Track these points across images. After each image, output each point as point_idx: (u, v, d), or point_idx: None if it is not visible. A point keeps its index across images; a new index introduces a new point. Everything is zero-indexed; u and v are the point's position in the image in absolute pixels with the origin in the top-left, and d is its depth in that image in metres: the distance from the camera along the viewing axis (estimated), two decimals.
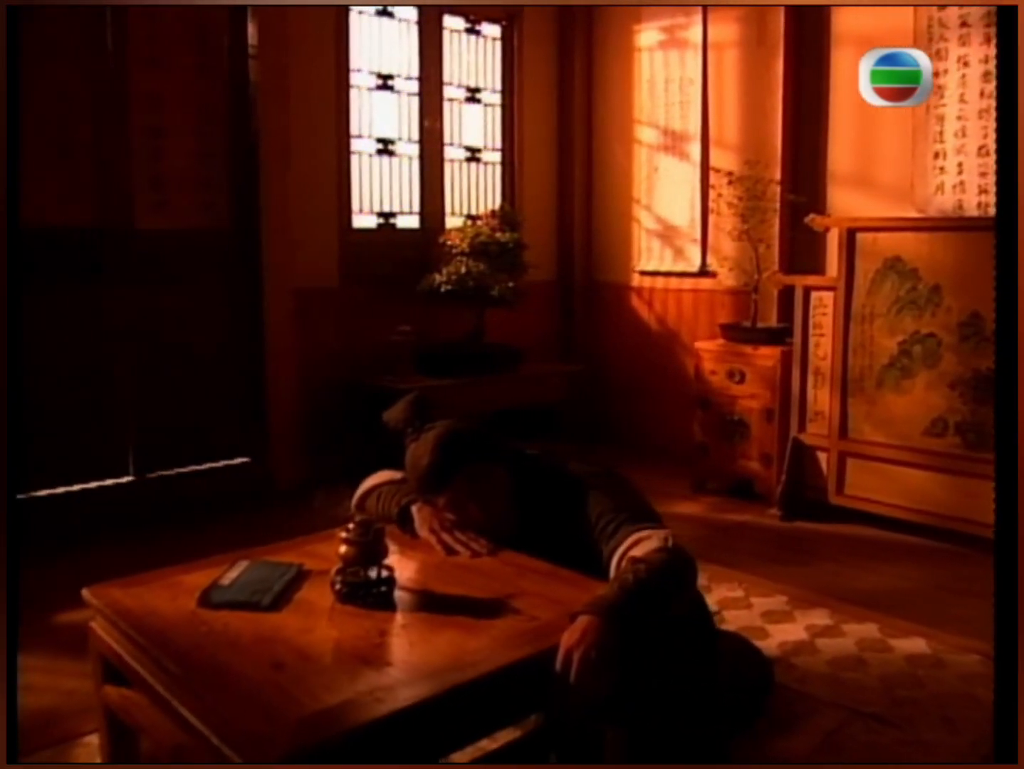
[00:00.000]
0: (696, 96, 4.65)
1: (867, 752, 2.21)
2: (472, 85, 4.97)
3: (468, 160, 5.04)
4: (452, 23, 4.82)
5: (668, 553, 1.78)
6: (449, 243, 4.67)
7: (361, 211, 4.68)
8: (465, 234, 4.66)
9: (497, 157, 5.14)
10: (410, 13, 4.64)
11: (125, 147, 3.83)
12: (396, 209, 4.80)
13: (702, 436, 4.32)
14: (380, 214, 4.75)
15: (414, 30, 4.68)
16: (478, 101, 5.02)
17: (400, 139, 4.75)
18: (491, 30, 4.98)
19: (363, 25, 4.50)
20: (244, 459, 4.32)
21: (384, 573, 1.77)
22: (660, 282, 5.00)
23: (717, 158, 4.58)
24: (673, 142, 4.82)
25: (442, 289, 4.52)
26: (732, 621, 2.94)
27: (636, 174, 5.03)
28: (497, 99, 5.08)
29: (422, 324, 4.66)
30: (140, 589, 1.82)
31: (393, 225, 4.81)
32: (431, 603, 1.76)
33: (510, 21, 5.01)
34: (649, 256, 5.02)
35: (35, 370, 3.68)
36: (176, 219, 4.03)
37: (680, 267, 4.86)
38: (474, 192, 5.10)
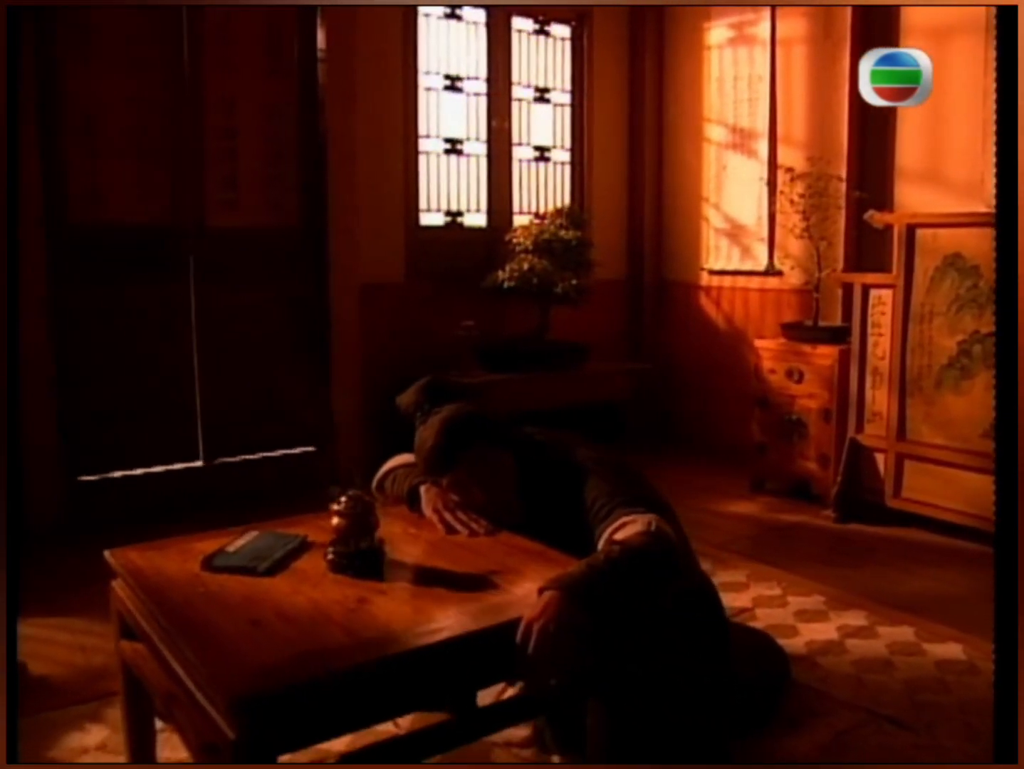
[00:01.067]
0: (764, 93, 4.61)
1: (875, 754, 2.18)
2: (541, 85, 5.04)
3: (537, 159, 5.10)
4: (521, 24, 4.89)
5: (648, 537, 1.80)
6: (514, 241, 4.75)
7: (428, 209, 4.80)
8: (529, 232, 4.73)
9: (566, 156, 5.19)
10: (478, 15, 4.74)
11: (199, 149, 4.04)
12: (463, 208, 4.91)
13: (760, 436, 4.26)
14: (447, 212, 4.86)
15: (482, 32, 4.77)
16: (547, 101, 5.08)
17: (468, 139, 4.85)
18: (560, 31, 5.04)
19: (431, 28, 4.62)
20: (309, 448, 4.49)
21: (372, 545, 1.84)
22: (728, 281, 4.96)
23: (784, 155, 4.52)
24: (741, 140, 4.78)
25: (505, 285, 4.60)
26: (763, 619, 2.92)
27: (705, 172, 5.00)
28: (567, 99, 5.13)
29: (486, 320, 4.74)
30: (155, 553, 1.95)
31: (460, 223, 4.91)
32: (415, 575, 1.83)
33: (580, 22, 5.05)
34: (717, 255, 4.99)
35: (114, 360, 3.93)
36: (247, 217, 4.23)
37: (747, 266, 4.81)
38: (542, 191, 5.16)
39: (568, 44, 5.08)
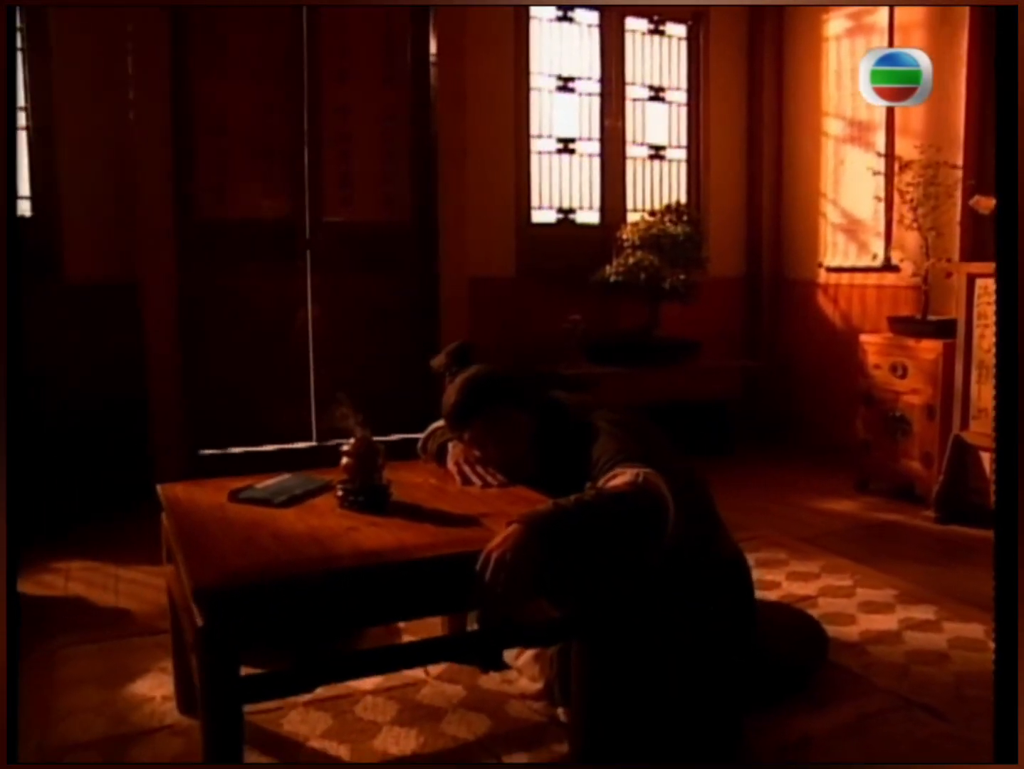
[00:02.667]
0: None
1: (894, 739, 2.10)
2: (656, 84, 5.07)
3: (651, 157, 5.13)
4: (635, 25, 4.95)
5: (631, 487, 1.83)
6: (623, 237, 4.80)
7: (541, 207, 4.93)
8: (638, 228, 4.77)
9: (682, 154, 5.19)
10: (591, 17, 4.84)
11: (317, 150, 4.33)
12: (576, 205, 5.00)
13: (864, 434, 4.12)
14: (560, 210, 4.97)
15: (595, 33, 4.87)
16: (662, 100, 5.11)
17: (580, 138, 4.95)
18: (676, 30, 5.06)
19: (543, 30, 4.76)
20: (417, 435, 4.68)
21: (376, 483, 1.97)
22: (845, 278, 4.81)
23: (901, 146, 4.36)
24: (859, 132, 4.64)
25: (611, 280, 4.66)
26: (823, 607, 2.84)
27: (823, 167, 4.88)
28: (682, 97, 5.14)
29: (595, 315, 4.82)
30: (196, 487, 2.16)
31: (572, 221, 5.01)
32: (412, 513, 1.93)
33: (696, 20, 5.06)
34: (834, 251, 4.85)
35: (234, 344, 4.27)
36: (360, 213, 4.49)
37: (864, 262, 4.65)
38: (657, 189, 5.18)
39: (684, 43, 5.09)
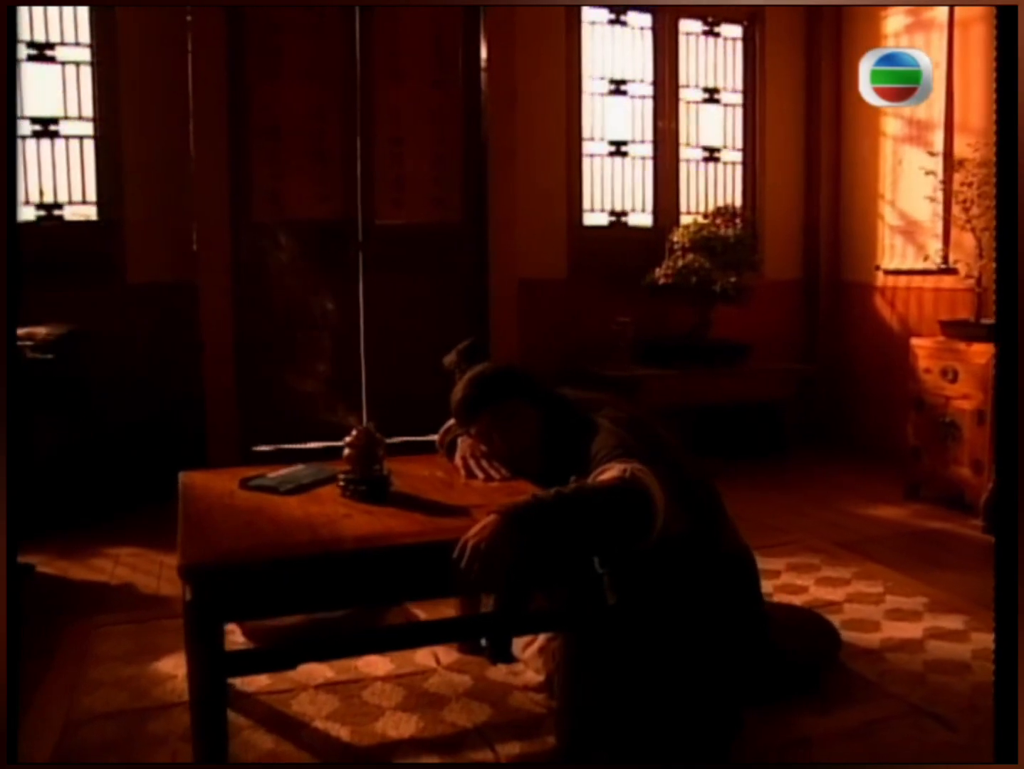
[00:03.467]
0: (941, 79, 4.34)
1: (895, 747, 2.05)
2: (710, 86, 5.04)
3: (705, 160, 5.11)
4: (688, 26, 4.94)
5: (617, 482, 1.85)
6: (674, 239, 4.79)
7: (592, 209, 4.95)
8: (688, 230, 4.75)
9: (737, 156, 5.15)
10: (644, 20, 4.85)
11: (369, 153, 4.45)
12: (628, 208, 5.01)
13: (915, 439, 4.02)
14: (612, 212, 4.98)
15: (648, 36, 4.87)
16: (717, 101, 5.08)
17: (633, 141, 4.95)
18: (731, 31, 5.02)
19: (595, 34, 4.78)
20: None
21: (375, 474, 2.04)
22: (902, 281, 4.70)
23: (960, 145, 4.24)
24: (917, 131, 4.53)
25: (660, 282, 4.66)
26: (848, 612, 2.80)
27: (881, 168, 4.78)
28: (738, 99, 5.10)
29: (647, 317, 4.82)
30: (213, 475, 2.27)
31: (625, 223, 5.02)
32: (408, 503, 1.99)
33: (751, 21, 5.01)
34: (892, 254, 4.74)
35: (287, 344, 4.40)
36: (412, 215, 4.59)
37: (922, 265, 4.53)
38: (711, 191, 5.15)
39: (739, 44, 5.05)
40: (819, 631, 2.46)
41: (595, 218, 4.96)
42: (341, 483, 2.06)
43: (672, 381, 4.58)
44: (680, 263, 4.63)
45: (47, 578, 3.15)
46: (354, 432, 2.06)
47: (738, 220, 4.82)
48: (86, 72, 4.03)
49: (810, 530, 3.65)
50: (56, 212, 4.06)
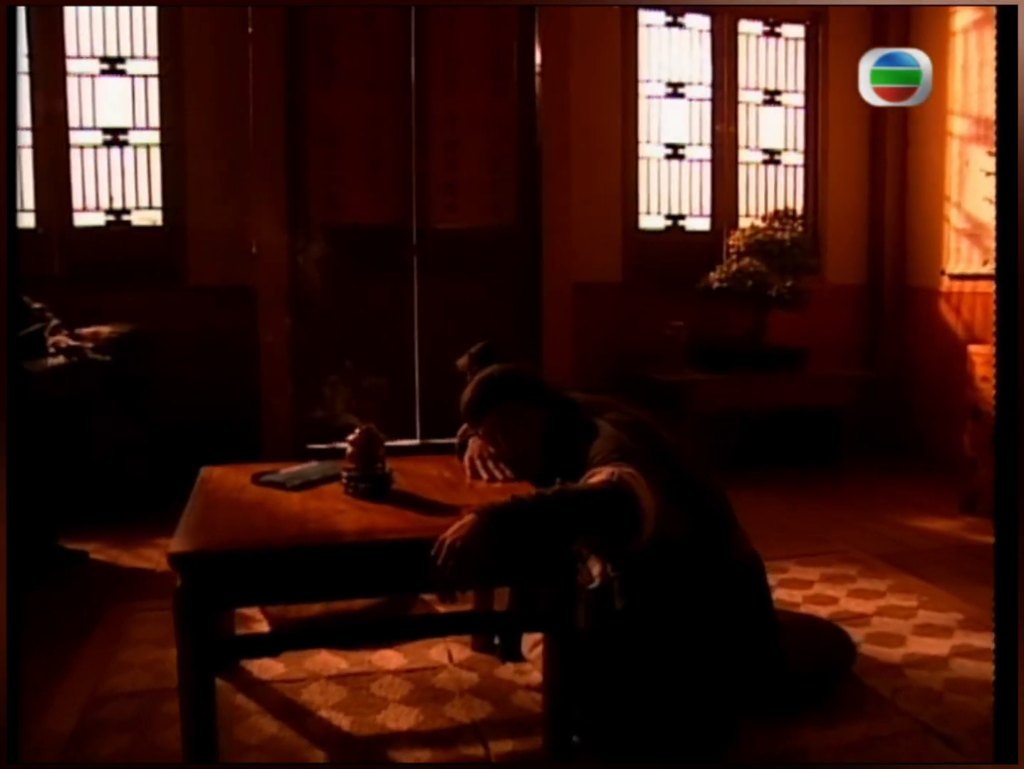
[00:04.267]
0: None
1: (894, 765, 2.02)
2: (771, 87, 4.97)
3: (765, 162, 5.03)
4: (748, 27, 4.88)
5: (603, 485, 1.86)
6: (730, 243, 4.75)
7: (649, 213, 4.93)
8: (744, 234, 4.70)
9: (799, 158, 5.06)
10: (702, 22, 4.81)
11: (424, 159, 4.53)
12: (685, 211, 4.98)
13: (972, 450, 3.89)
14: (668, 216, 4.96)
15: (706, 38, 4.83)
16: (778, 103, 5.00)
17: (690, 144, 4.92)
18: (793, 31, 4.94)
19: (651, 37, 4.77)
20: None
21: (375, 472, 2.10)
22: (968, 286, 4.55)
23: None
24: (985, 131, 4.37)
25: (714, 286, 4.62)
26: (876, 626, 2.74)
27: (947, 169, 4.63)
28: (799, 100, 5.01)
29: (704, 322, 4.78)
30: (230, 469, 2.36)
31: (682, 227, 4.99)
32: (405, 501, 2.05)
33: (814, 21, 4.92)
34: (958, 258, 4.59)
35: (343, 345, 4.52)
36: (466, 219, 4.65)
37: (988, 269, 4.37)
38: (772, 194, 5.07)
39: (802, 44, 4.96)
40: (833, 643, 2.42)
41: (651, 221, 4.94)
42: (343, 480, 2.13)
43: (724, 386, 4.54)
44: (734, 267, 4.58)
45: (98, 564, 3.33)
46: (356, 431, 2.12)
47: (797, 223, 4.73)
48: (154, 84, 4.23)
49: (853, 541, 3.57)
50: (124, 217, 4.27)
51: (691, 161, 4.94)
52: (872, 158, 5.02)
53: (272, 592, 1.74)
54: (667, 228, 4.97)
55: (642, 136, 4.84)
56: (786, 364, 4.66)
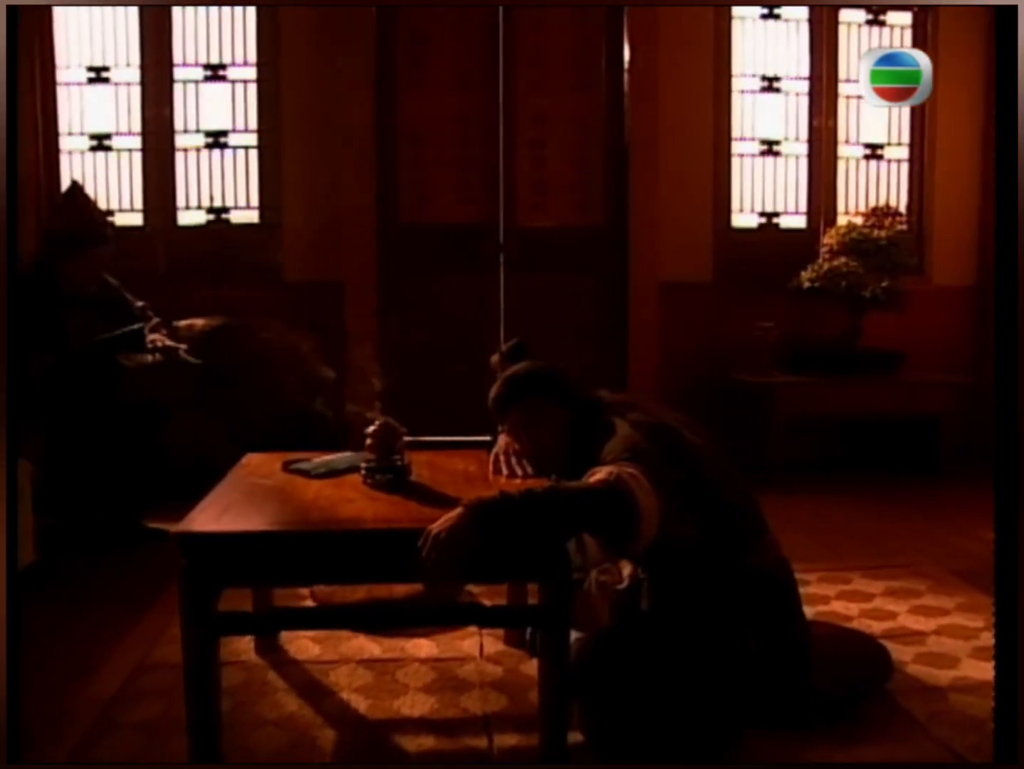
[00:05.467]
0: None
1: None
2: None
3: (867, 157, 4.83)
4: (850, 16, 4.69)
5: (599, 484, 1.86)
6: (824, 242, 4.59)
7: (742, 210, 4.82)
8: (838, 232, 4.53)
9: (904, 153, 4.83)
10: (800, 12, 4.66)
11: (511, 158, 4.59)
12: (780, 209, 4.84)
13: None
14: (762, 214, 4.83)
15: (804, 29, 4.68)
16: None
17: (786, 139, 4.78)
18: (899, 18, 4.71)
19: (746, 29, 4.65)
20: None
21: (392, 464, 2.16)
22: None
23: None
24: None
25: (806, 286, 4.48)
26: (931, 646, 2.59)
27: None
28: None
29: (793, 322, 4.65)
30: (270, 457, 2.47)
31: (776, 225, 4.85)
32: (418, 493, 2.10)
33: (923, 9, 4.68)
34: None
35: (427, 340, 4.62)
36: (553, 218, 4.67)
37: None
38: (873, 190, 4.86)
39: (908, 33, 4.73)
40: (865, 660, 2.32)
41: (744, 219, 4.83)
42: (363, 472, 2.20)
43: (812, 388, 4.40)
44: (827, 267, 4.43)
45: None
46: (376, 424, 2.19)
47: (897, 221, 4.52)
48: (252, 89, 4.45)
49: (930, 555, 3.40)
50: (224, 216, 4.50)
51: (787, 157, 4.80)
52: (984, 153, 4.73)
53: (268, 574, 1.83)
54: (760, 226, 4.85)
55: (735, 132, 4.73)
56: (879, 367, 4.47)
